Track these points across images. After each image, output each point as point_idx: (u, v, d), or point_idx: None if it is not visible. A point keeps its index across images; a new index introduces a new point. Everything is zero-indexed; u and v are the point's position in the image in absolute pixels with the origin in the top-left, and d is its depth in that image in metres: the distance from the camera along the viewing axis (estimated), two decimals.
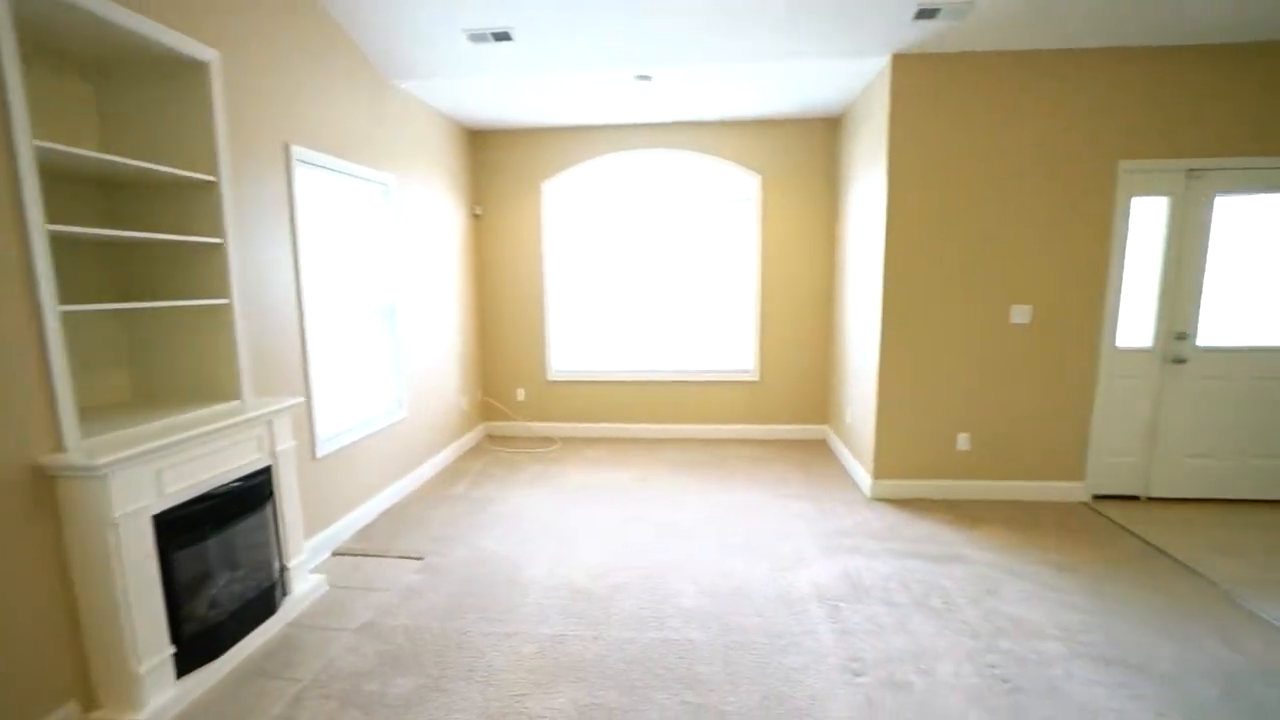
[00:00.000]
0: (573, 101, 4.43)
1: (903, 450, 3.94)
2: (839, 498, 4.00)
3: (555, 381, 5.52)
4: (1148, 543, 3.34)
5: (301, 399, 2.84)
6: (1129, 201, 3.65)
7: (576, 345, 5.49)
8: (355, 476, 3.60)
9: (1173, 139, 3.59)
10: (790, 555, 3.21)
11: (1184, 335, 3.74)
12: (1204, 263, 3.69)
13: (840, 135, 4.85)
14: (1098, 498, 3.95)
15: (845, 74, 3.90)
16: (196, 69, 2.42)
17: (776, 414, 5.36)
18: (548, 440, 5.44)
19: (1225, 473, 3.86)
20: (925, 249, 3.75)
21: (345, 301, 3.58)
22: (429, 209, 4.51)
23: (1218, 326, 3.74)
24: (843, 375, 4.74)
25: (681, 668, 2.33)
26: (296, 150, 3.04)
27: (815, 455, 4.91)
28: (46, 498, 1.92)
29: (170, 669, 2.14)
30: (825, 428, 5.32)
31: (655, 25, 3.35)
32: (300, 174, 3.11)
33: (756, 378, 5.32)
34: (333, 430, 3.41)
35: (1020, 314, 3.76)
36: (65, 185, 2.27)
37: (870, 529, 3.51)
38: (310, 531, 3.18)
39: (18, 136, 1.78)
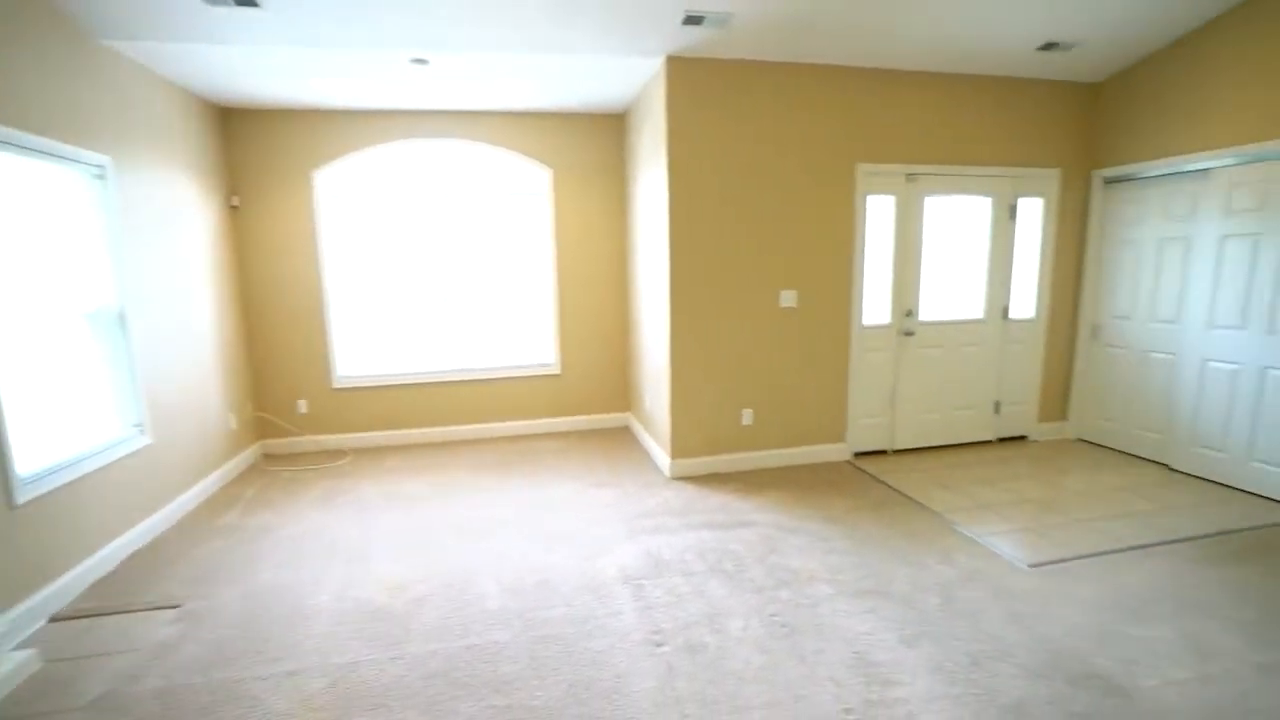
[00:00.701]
0: (346, 82, 4.06)
1: (696, 430, 4.22)
2: (642, 481, 4.18)
3: (343, 389, 5.04)
4: (892, 488, 3.95)
5: None
6: (865, 199, 4.26)
7: (366, 348, 5.06)
8: (81, 520, 2.97)
9: (896, 147, 4.26)
10: (596, 542, 3.28)
11: (910, 312, 4.48)
12: (920, 250, 4.44)
13: (626, 131, 5.04)
14: (858, 455, 4.58)
15: (625, 71, 4.04)
16: None
17: (580, 405, 5.45)
18: (338, 454, 4.98)
19: (943, 424, 4.70)
20: (705, 241, 4.04)
21: (45, 309, 2.91)
22: (166, 198, 3.82)
23: (933, 304, 4.53)
24: (640, 363, 4.96)
25: (487, 671, 2.27)
26: None
27: (619, 443, 5.09)
28: None
29: None
30: (628, 415, 5.53)
31: (427, 5, 3.18)
32: None
33: (558, 371, 5.35)
34: (39, 466, 2.75)
35: (788, 298, 4.21)
36: None
37: (670, 507, 3.72)
38: (12, 599, 2.55)
39: None
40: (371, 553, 3.23)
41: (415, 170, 4.93)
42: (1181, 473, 4.11)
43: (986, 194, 4.48)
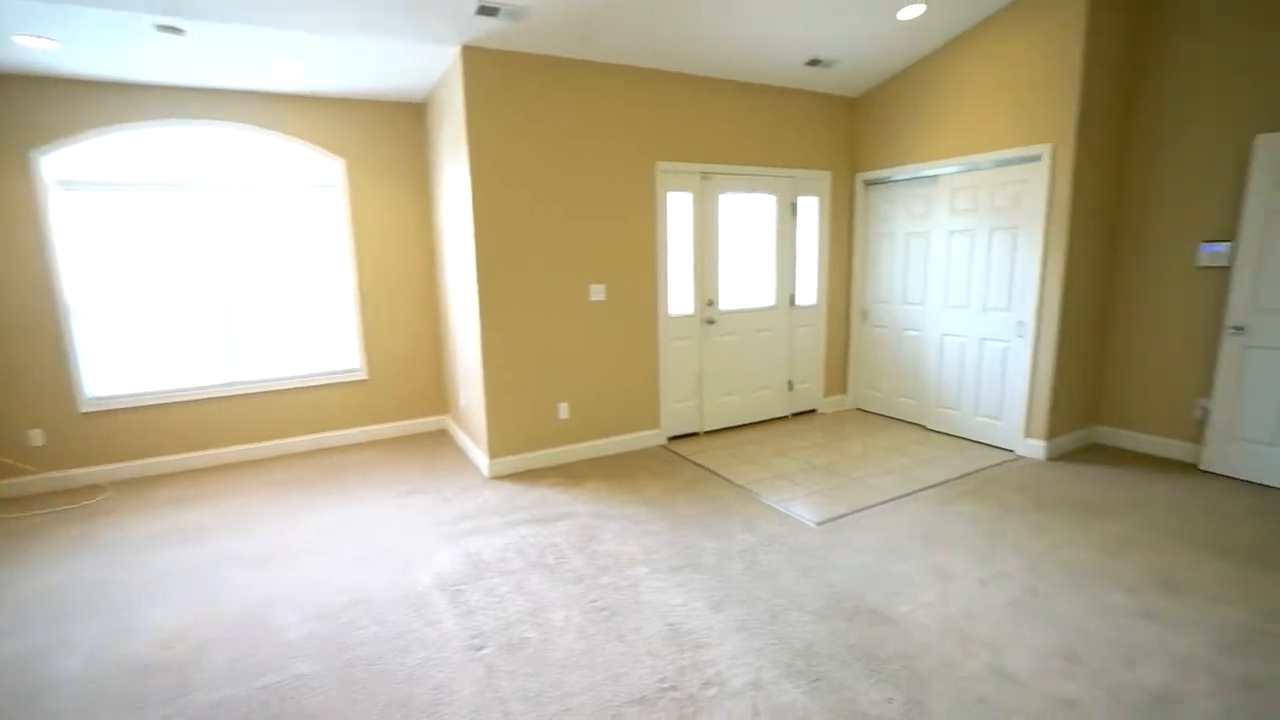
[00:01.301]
0: (81, 46, 3.38)
1: (513, 427, 4.18)
2: (460, 484, 4.05)
3: (95, 412, 4.23)
4: (703, 467, 4.24)
5: None
6: (665, 196, 4.50)
7: (126, 363, 4.30)
8: None
9: (692, 147, 4.54)
10: (412, 553, 3.13)
11: (711, 302, 4.82)
12: (717, 244, 4.79)
13: (427, 121, 4.81)
14: (671, 439, 4.84)
15: (417, 59, 3.85)
16: None
17: (391, 411, 5.14)
18: (93, 489, 4.17)
19: (745, 404, 5.14)
20: (512, 238, 4.00)
21: None
22: None
23: (731, 293, 4.92)
24: (454, 363, 4.79)
25: (290, 709, 2.06)
26: None
27: (437, 446, 4.88)
28: None
29: None
30: (445, 418, 5.32)
31: None
32: None
33: (364, 376, 4.98)
34: None
35: (598, 292, 4.32)
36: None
37: (490, 507, 3.66)
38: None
39: None
40: (140, 601, 2.77)
41: (182, 156, 4.28)
42: (933, 430, 4.90)
43: (771, 193, 4.95)
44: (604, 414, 4.49)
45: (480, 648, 2.35)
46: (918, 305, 4.93)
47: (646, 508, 3.59)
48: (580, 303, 4.27)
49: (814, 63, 4.43)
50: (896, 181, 4.97)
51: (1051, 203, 3.96)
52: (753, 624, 2.45)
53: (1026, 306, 4.16)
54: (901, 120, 4.82)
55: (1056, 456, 4.23)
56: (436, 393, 5.26)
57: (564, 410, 4.32)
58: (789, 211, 5.05)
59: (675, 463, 4.35)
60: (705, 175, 4.63)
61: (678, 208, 4.60)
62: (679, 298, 4.70)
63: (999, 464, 4.14)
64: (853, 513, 3.46)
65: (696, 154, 4.57)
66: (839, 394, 5.61)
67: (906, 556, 2.96)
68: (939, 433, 4.84)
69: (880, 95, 4.98)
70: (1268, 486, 3.68)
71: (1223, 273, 3.82)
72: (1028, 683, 2.09)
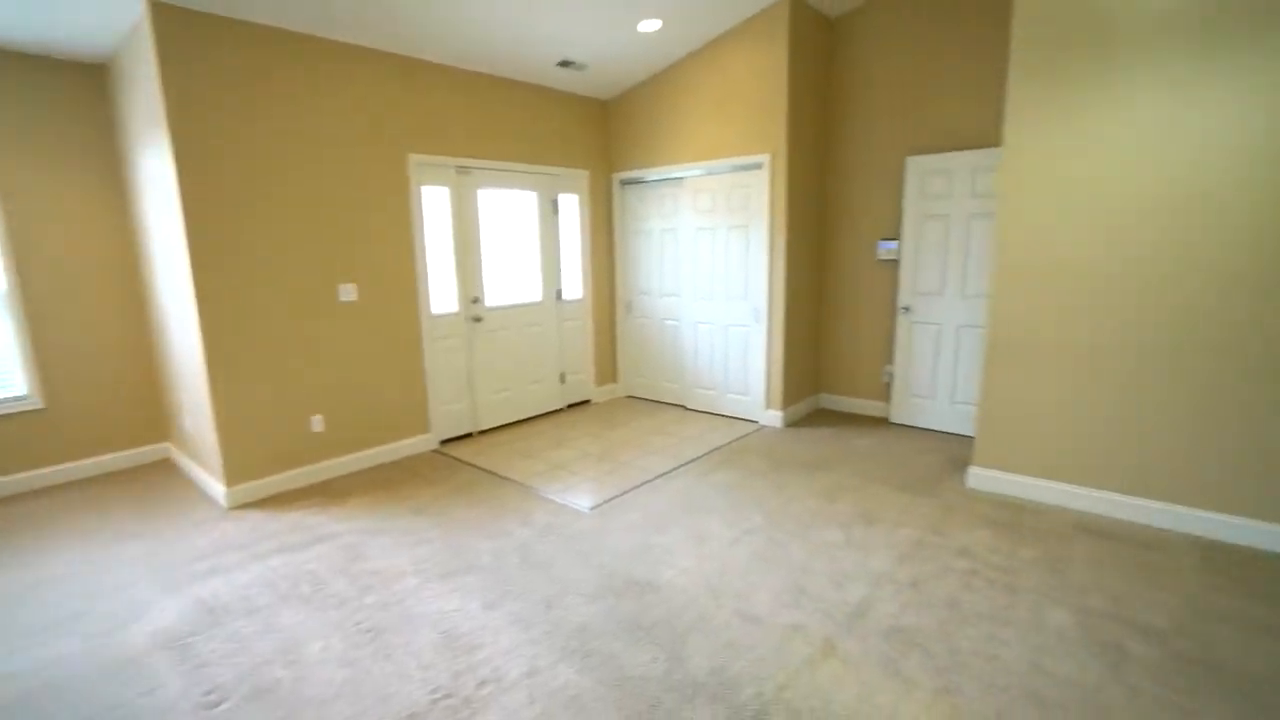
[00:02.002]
0: None
1: (255, 447, 3.69)
2: (190, 520, 3.47)
3: None
4: (478, 468, 4.16)
5: None
6: (420, 189, 4.29)
7: None
8: None
9: (447, 141, 4.39)
10: (122, 611, 2.60)
11: (477, 299, 4.72)
12: (479, 240, 4.70)
13: (113, 88, 3.97)
14: (444, 442, 4.66)
15: (93, 5, 3.18)
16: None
17: (89, 444, 4.18)
18: None
19: (519, 399, 5.14)
20: (234, 234, 3.50)
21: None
22: None
23: (498, 290, 4.88)
24: (172, 379, 4.07)
25: None
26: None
27: (156, 480, 4.11)
28: None
29: None
30: (166, 445, 4.50)
31: None
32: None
33: (39, 404, 3.98)
34: None
35: (348, 293, 3.98)
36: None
37: (230, 541, 3.19)
38: None
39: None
40: None
41: None
42: (694, 410, 5.37)
43: (532, 189, 5.00)
44: (367, 422, 4.17)
45: (216, 704, 2.04)
46: (674, 297, 5.36)
47: (417, 516, 3.42)
48: (328, 304, 3.90)
49: (566, 64, 4.56)
50: (648, 182, 5.34)
51: (772, 204, 4.57)
52: (528, 616, 2.48)
53: (760, 295, 4.76)
54: (650, 125, 5.18)
55: (792, 423, 4.92)
56: (152, 417, 4.42)
57: (318, 423, 3.92)
58: (550, 208, 5.14)
59: (449, 466, 4.20)
60: (462, 169, 4.52)
61: (435, 203, 4.42)
62: (442, 296, 4.53)
63: (747, 435, 4.70)
64: (623, 494, 3.66)
65: (453, 148, 4.43)
66: (610, 383, 5.89)
67: (670, 528, 3.22)
68: (699, 412, 5.33)
69: (630, 100, 5.29)
70: (932, 430, 4.69)
71: (894, 264, 4.76)
72: (765, 619, 2.42)
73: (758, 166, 4.58)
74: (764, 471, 3.96)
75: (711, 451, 4.35)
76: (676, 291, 5.34)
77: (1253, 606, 2.45)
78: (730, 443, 4.53)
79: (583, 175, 5.34)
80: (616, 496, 3.63)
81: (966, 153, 4.24)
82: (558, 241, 5.24)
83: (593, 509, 3.46)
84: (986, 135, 4.20)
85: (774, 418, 4.86)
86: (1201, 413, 2.94)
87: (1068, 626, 2.35)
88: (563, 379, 5.45)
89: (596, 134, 5.41)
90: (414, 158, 4.21)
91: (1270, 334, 2.74)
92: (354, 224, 3.97)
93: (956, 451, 4.23)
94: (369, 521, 3.38)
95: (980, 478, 3.59)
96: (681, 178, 5.07)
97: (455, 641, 2.32)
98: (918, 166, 4.45)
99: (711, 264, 5.01)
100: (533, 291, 5.13)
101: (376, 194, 4.06)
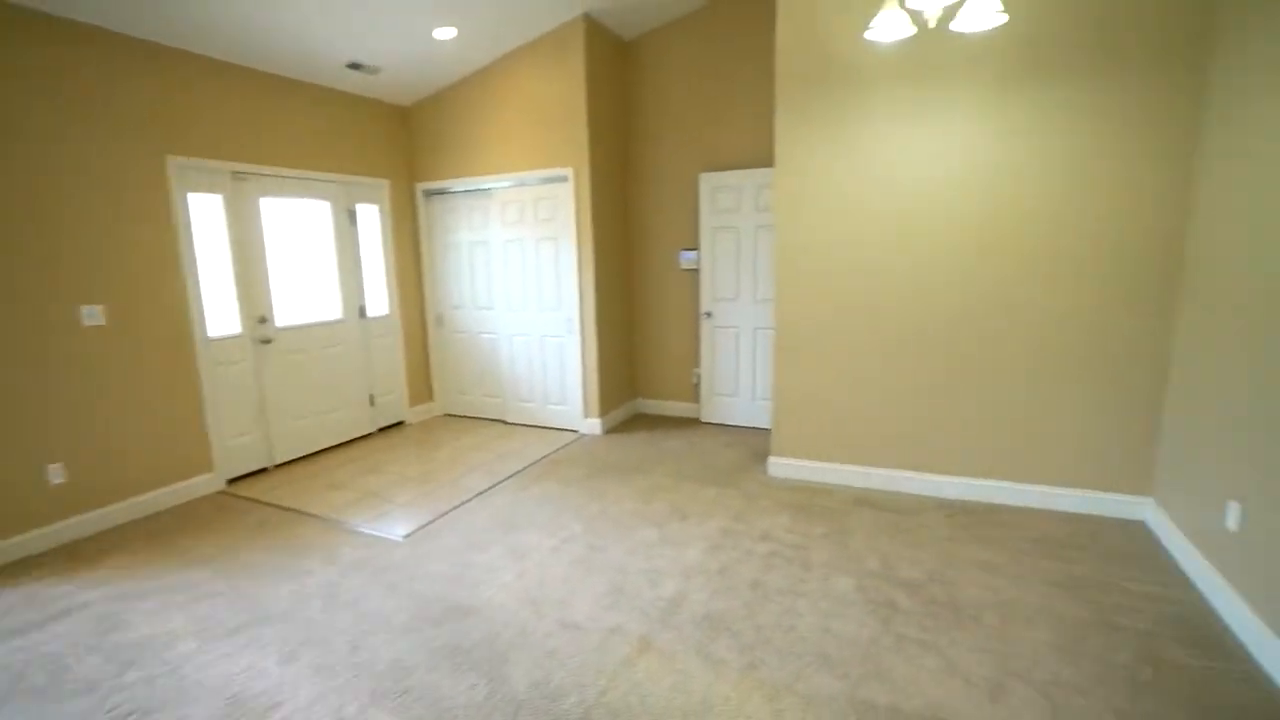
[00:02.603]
0: None
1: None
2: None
3: None
4: (275, 506, 3.75)
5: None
6: (185, 197, 3.78)
7: None
8: None
9: (220, 143, 3.91)
10: None
11: (264, 319, 4.26)
12: (265, 253, 4.25)
13: None
14: (233, 480, 4.14)
15: None
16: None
17: None
18: None
19: (323, 426, 4.73)
20: None
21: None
22: None
23: (290, 308, 4.44)
24: None
25: None
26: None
27: None
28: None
29: None
30: None
31: None
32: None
33: None
34: None
35: (92, 315, 3.38)
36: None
37: None
38: None
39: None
40: None
41: None
42: (515, 424, 5.31)
43: (325, 199, 4.63)
44: (127, 467, 3.57)
45: None
46: (488, 309, 5.27)
47: (197, 568, 3.01)
48: (65, 329, 3.28)
49: (356, 66, 4.29)
50: (455, 193, 5.20)
51: (579, 216, 4.69)
52: (332, 662, 2.29)
53: (572, 305, 4.84)
54: (455, 134, 5.05)
55: (611, 430, 5.07)
56: None
57: (57, 473, 3.27)
58: (347, 219, 4.80)
59: (238, 507, 3.74)
60: (239, 176, 4.06)
61: (208, 212, 3.92)
62: (222, 316, 4.03)
63: (568, 444, 4.75)
64: (440, 517, 3.52)
65: (226, 151, 3.96)
66: (426, 402, 5.63)
67: (489, 546, 3.16)
68: (520, 425, 5.29)
69: (433, 107, 5.11)
70: (738, 426, 5.10)
71: (695, 273, 5.12)
72: (585, 625, 2.48)
73: (563, 179, 4.67)
74: (583, 479, 4.04)
75: (532, 464, 4.34)
76: (490, 304, 5.25)
77: (981, 551, 3.00)
78: (551, 454, 4.55)
79: (383, 185, 5.06)
80: (433, 520, 3.48)
81: (751, 170, 4.69)
82: (358, 255, 4.90)
83: (407, 536, 3.29)
84: (767, 156, 4.68)
85: (593, 426, 4.97)
86: (942, 391, 3.54)
87: (850, 591, 2.69)
88: (372, 401, 5.10)
89: (397, 142, 5.16)
90: (174, 160, 3.69)
91: (985, 323, 3.39)
92: (100, 235, 3.38)
93: (758, 445, 4.65)
94: (131, 583, 2.90)
95: (778, 466, 3.98)
96: (490, 189, 5.01)
97: (246, 705, 2.08)
98: (709, 182, 4.84)
99: (524, 276, 5.01)
100: (331, 309, 4.75)
101: (131, 202, 3.50)
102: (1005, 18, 2.26)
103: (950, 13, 2.95)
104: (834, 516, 3.42)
